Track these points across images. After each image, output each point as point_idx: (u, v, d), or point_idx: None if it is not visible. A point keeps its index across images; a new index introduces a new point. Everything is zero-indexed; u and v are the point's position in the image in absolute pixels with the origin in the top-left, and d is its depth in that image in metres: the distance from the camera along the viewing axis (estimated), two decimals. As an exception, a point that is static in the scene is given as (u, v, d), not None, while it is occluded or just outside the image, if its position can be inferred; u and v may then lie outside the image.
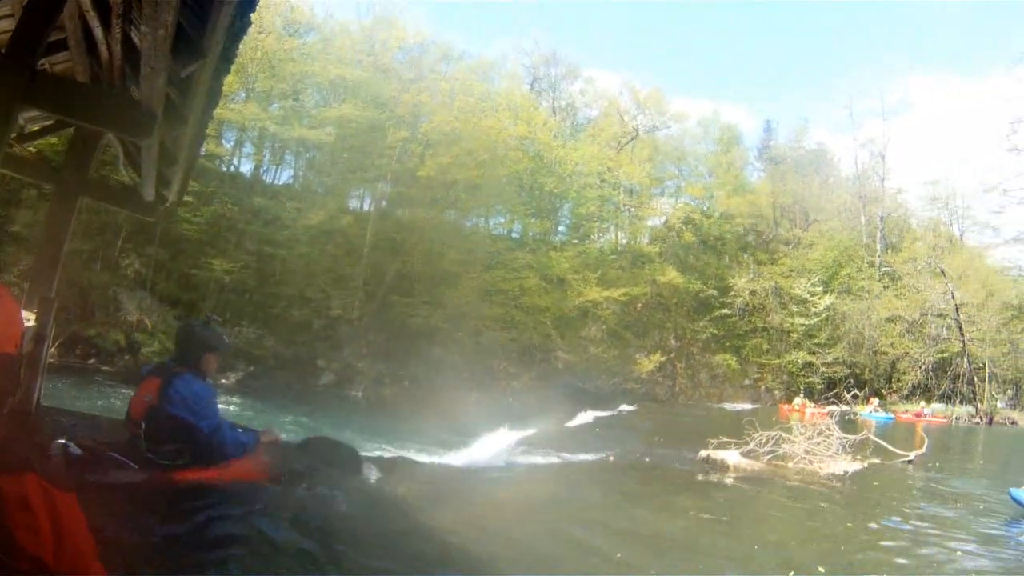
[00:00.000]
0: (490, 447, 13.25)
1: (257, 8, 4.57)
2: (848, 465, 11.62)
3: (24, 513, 1.50)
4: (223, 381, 25.78)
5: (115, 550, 3.63)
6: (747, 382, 38.84)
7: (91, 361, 24.11)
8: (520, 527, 6.05)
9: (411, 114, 32.55)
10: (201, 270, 27.63)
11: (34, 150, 10.58)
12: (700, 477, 10.47)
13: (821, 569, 5.62)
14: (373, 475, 6.67)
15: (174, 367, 5.02)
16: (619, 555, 5.63)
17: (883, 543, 7.04)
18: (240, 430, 5.30)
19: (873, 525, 7.85)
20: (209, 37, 4.32)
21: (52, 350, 20.20)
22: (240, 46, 5.19)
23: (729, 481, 10.24)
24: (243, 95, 32.21)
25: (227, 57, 5.07)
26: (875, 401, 34.19)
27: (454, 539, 5.13)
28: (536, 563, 5.06)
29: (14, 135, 8.05)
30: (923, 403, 34.89)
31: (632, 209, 39.66)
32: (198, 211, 27.99)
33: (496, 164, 32.34)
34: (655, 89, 42.20)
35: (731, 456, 11.50)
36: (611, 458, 11.89)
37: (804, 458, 11.70)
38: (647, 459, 12.03)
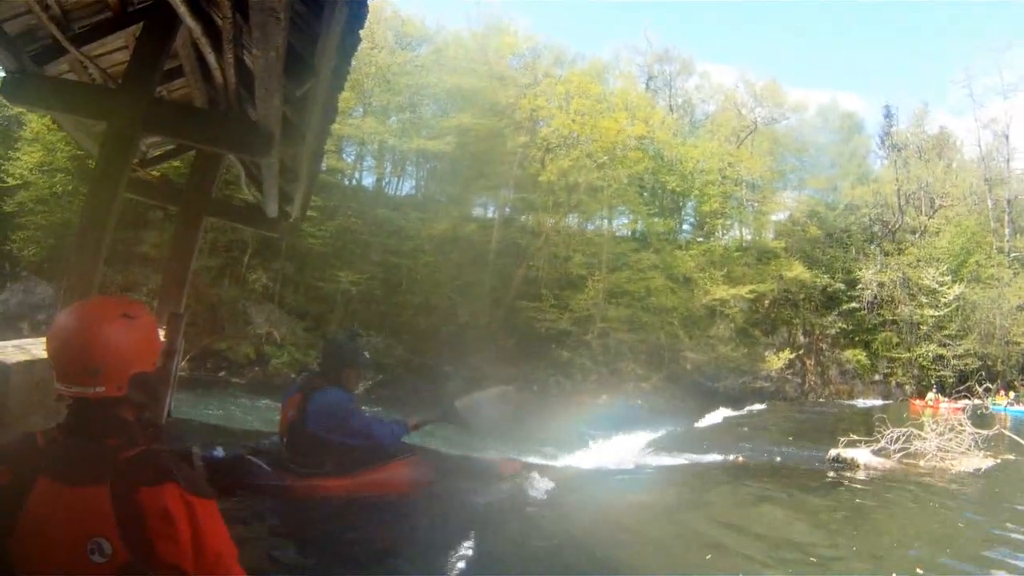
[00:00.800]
0: (619, 450, 13.01)
1: (367, 24, 4.64)
2: (981, 462, 10.83)
3: (164, 523, 1.58)
4: (352, 390, 26.13)
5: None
6: (877, 377, 37.47)
7: (221, 373, 24.95)
8: (653, 530, 5.80)
9: (529, 119, 32.64)
10: (328, 282, 28.16)
11: (158, 173, 10.80)
12: (830, 476, 9.89)
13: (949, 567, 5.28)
14: (507, 483, 6.49)
15: (316, 381, 5.31)
16: (750, 554, 5.38)
17: (1009, 545, 6.49)
18: (390, 422, 5.46)
19: (1005, 525, 7.20)
20: (320, 56, 4.40)
21: (183, 364, 20.84)
22: (352, 62, 5.23)
23: (859, 480, 9.63)
24: (360, 110, 32.85)
25: (339, 74, 5.17)
26: (1010, 395, 32.38)
27: (596, 546, 5.10)
28: (673, 566, 4.90)
29: (137, 160, 8.22)
30: None
31: (755, 204, 38.74)
32: (323, 225, 28.47)
33: (616, 165, 32.06)
34: (771, 80, 41.15)
35: (861, 455, 10.91)
36: (740, 459, 11.51)
37: (936, 455, 11.03)
38: (777, 459, 11.61)
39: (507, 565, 4.44)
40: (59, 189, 24.38)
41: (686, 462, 10.81)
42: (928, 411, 22.50)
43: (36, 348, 3.74)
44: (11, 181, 24.40)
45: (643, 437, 14.56)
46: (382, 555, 4.53)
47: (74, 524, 1.60)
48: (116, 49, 6.43)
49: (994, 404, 29.36)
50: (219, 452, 5.53)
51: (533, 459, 11.95)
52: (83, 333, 1.77)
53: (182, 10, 4.36)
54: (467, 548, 4.52)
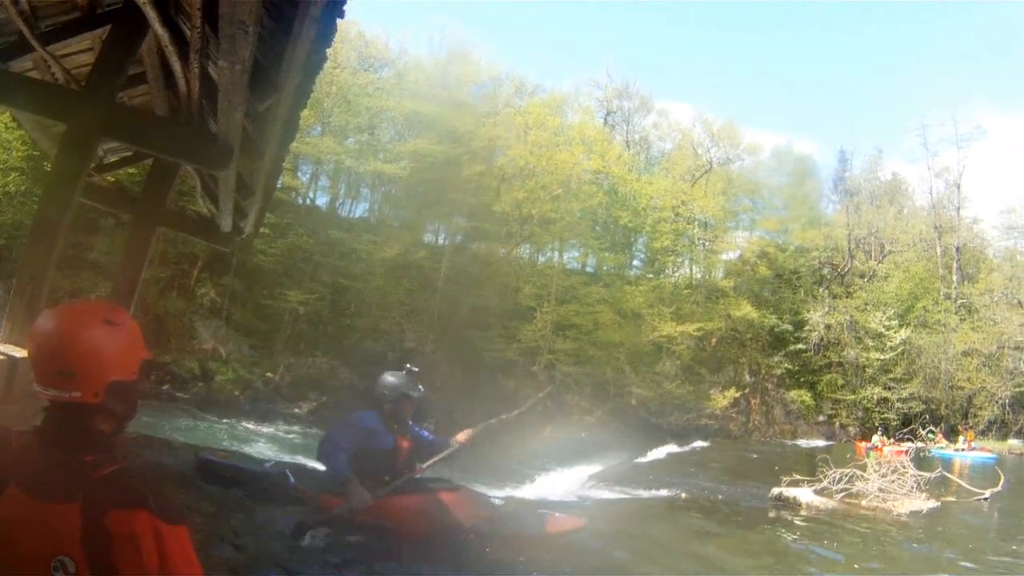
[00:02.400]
0: (562, 482, 13.18)
1: (332, 44, 4.59)
2: (923, 504, 11.30)
3: (131, 548, 1.54)
4: (295, 410, 25.97)
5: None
6: (821, 418, 37.93)
7: (165, 387, 24.29)
8: (588, 562, 5.93)
9: (486, 148, 32.75)
10: (276, 300, 27.90)
11: (113, 179, 10.75)
12: (772, 515, 10.33)
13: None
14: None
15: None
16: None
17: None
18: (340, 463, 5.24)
19: (942, 564, 7.75)
20: (285, 72, 4.36)
21: None
22: (316, 81, 5.28)
23: (801, 519, 10.08)
24: (319, 129, 32.73)
25: (303, 91, 5.20)
26: (960, 439, 32.85)
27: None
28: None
29: (94, 165, 8.17)
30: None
31: (707, 243, 39.13)
32: (274, 243, 28.30)
33: (570, 198, 32.33)
34: (728, 121, 41.79)
35: (804, 494, 11.30)
36: (683, 495, 11.71)
37: (878, 496, 11.44)
38: (719, 496, 11.88)
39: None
40: (12, 188, 23.79)
41: (628, 496, 10.98)
42: (873, 453, 22.76)
43: None
44: None
45: (586, 470, 14.75)
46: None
47: (41, 540, 1.57)
48: (82, 51, 6.51)
49: (938, 448, 29.84)
50: (269, 464, 6.52)
51: (473, 486, 11.98)
52: (62, 336, 1.74)
53: (152, 16, 4.46)
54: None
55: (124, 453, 1.81)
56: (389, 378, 5.64)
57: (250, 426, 21.07)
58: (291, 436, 20.86)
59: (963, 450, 28.93)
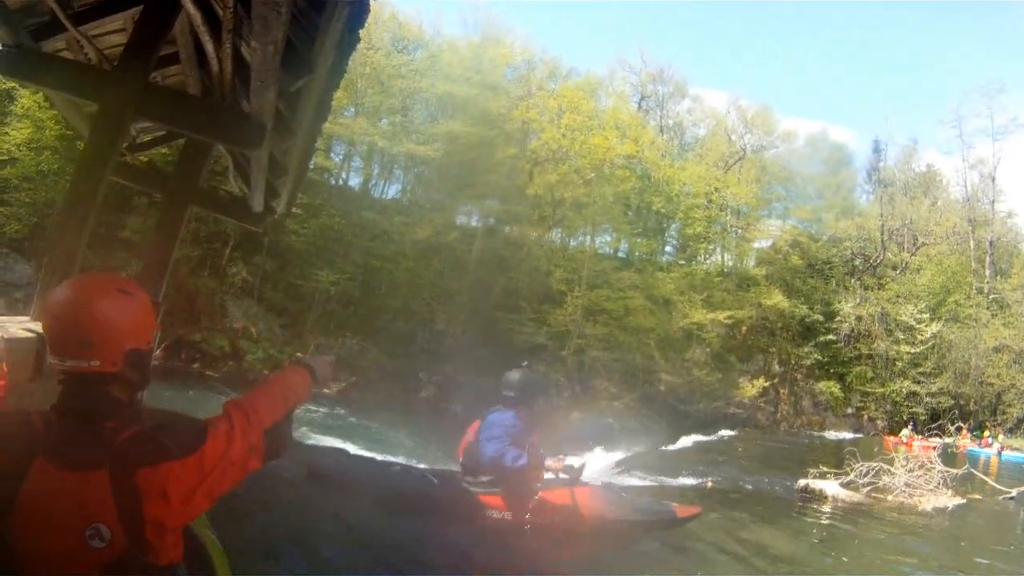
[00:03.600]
0: (588, 467, 13.11)
1: (366, 25, 4.60)
2: (949, 500, 11.23)
3: (164, 504, 1.62)
4: (324, 390, 26.05)
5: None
6: (850, 411, 37.66)
7: (195, 365, 24.52)
8: (608, 547, 6.01)
9: (520, 131, 32.63)
10: (307, 281, 27.91)
11: (145, 159, 10.76)
12: (798, 506, 10.29)
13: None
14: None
15: (497, 407, 5.87)
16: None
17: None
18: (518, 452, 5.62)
19: (970, 562, 7.77)
20: (318, 52, 4.44)
21: (158, 352, 20.74)
22: (349, 62, 5.30)
23: (826, 512, 9.99)
24: (352, 110, 32.65)
25: (336, 72, 5.24)
26: (986, 435, 32.49)
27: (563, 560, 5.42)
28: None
29: (126, 144, 8.34)
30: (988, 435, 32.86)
31: (739, 231, 38.87)
32: (306, 223, 28.37)
33: (603, 183, 32.14)
34: (763, 107, 41.51)
35: (830, 487, 11.21)
36: (709, 483, 11.63)
37: (904, 491, 11.36)
38: (747, 486, 11.79)
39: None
40: (46, 168, 23.94)
41: (655, 484, 10.87)
42: (903, 448, 22.55)
43: (12, 325, 3.75)
44: None
45: (614, 456, 14.67)
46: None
47: (73, 509, 1.61)
48: (114, 31, 6.56)
49: (975, 446, 29.51)
50: (397, 467, 6.44)
51: None
52: (78, 306, 1.77)
53: None
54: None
55: (147, 418, 1.85)
56: (522, 376, 6.00)
57: None
58: (321, 415, 20.98)
59: (1000, 449, 28.54)
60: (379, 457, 11.12)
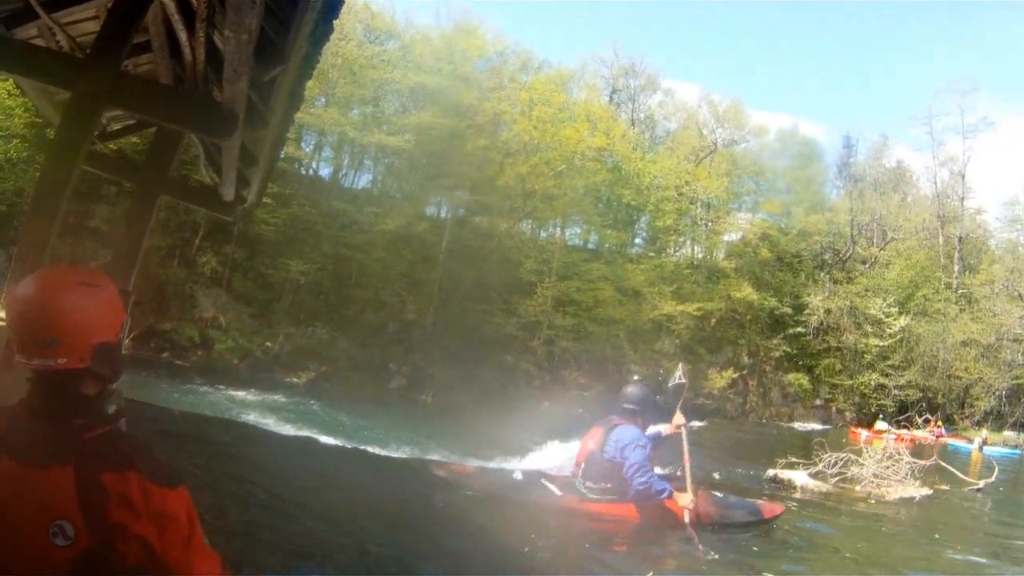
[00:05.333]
0: (557, 456, 13.20)
1: (339, 15, 4.62)
2: (916, 491, 11.29)
3: (126, 508, 1.58)
4: (294, 380, 26.02)
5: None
6: (818, 402, 38.07)
7: (165, 355, 24.53)
8: (572, 535, 6.17)
9: (491, 123, 32.68)
10: (277, 270, 27.95)
11: (116, 148, 10.71)
12: (767, 495, 10.07)
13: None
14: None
15: (615, 420, 6.36)
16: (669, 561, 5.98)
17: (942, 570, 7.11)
18: (660, 479, 6.20)
19: (937, 550, 7.94)
20: (292, 42, 4.39)
21: (127, 342, 20.56)
22: (322, 53, 5.26)
23: (794, 500, 10.01)
24: (323, 100, 32.56)
25: (309, 63, 5.18)
26: (936, 427, 32.80)
27: (515, 547, 5.43)
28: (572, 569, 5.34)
29: (97, 133, 8.12)
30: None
31: (709, 223, 39.00)
32: (276, 212, 28.20)
33: (574, 175, 32.27)
34: (734, 102, 41.71)
35: (799, 476, 11.25)
36: (679, 472, 11.75)
37: (872, 481, 11.46)
38: (715, 475, 11.84)
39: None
40: (14, 155, 23.67)
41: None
42: (878, 442, 22.61)
43: None
44: None
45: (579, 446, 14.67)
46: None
47: (36, 506, 1.57)
48: (87, 18, 6.41)
49: (956, 440, 29.77)
50: (518, 475, 6.76)
51: (473, 462, 12.21)
52: (41, 302, 1.72)
53: None
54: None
55: (118, 416, 1.81)
56: (641, 390, 6.65)
57: (248, 395, 20.87)
58: (290, 405, 20.88)
59: (983, 444, 28.64)
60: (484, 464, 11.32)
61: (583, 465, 6.35)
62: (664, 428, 6.76)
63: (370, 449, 11.00)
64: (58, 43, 6.41)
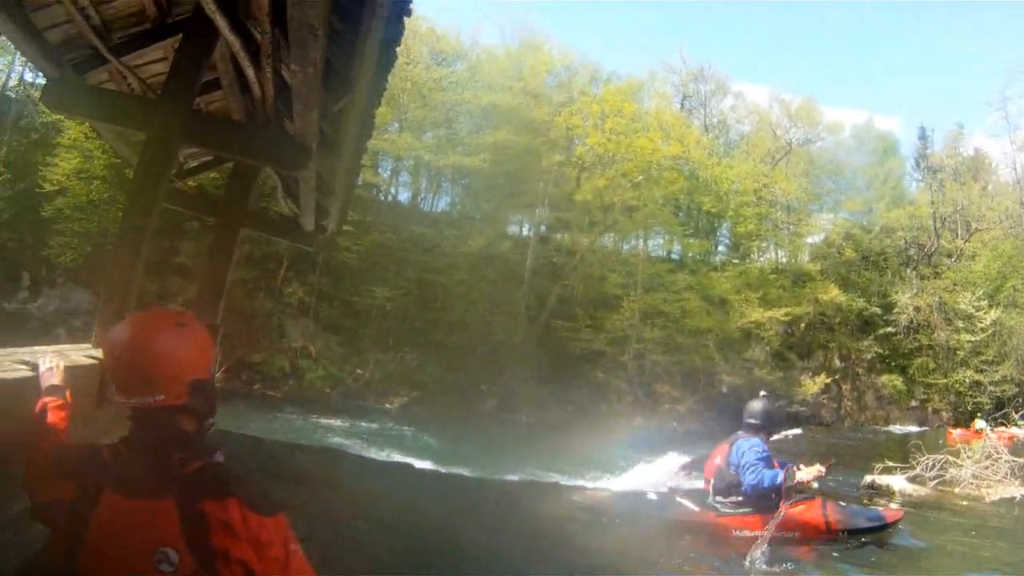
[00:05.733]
0: (652, 472, 13.13)
1: (404, 40, 4.57)
2: (1017, 490, 10.86)
3: (228, 534, 1.63)
4: (386, 406, 26.10)
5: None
6: (914, 403, 36.87)
7: (256, 386, 24.88)
8: (675, 551, 6.37)
9: (564, 138, 32.61)
10: (363, 297, 28.12)
11: (195, 184, 10.78)
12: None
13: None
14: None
15: (740, 434, 6.65)
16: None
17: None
18: (771, 470, 6.41)
19: None
20: (357, 72, 4.50)
21: (218, 375, 20.81)
22: (388, 78, 5.27)
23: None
24: (397, 125, 32.94)
25: (376, 90, 5.26)
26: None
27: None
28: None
29: (175, 171, 8.32)
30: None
31: (791, 226, 38.35)
32: (358, 240, 28.49)
33: (652, 185, 31.85)
34: (806, 100, 40.97)
35: (896, 481, 11.12)
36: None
37: (972, 483, 11.21)
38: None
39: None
40: (96, 197, 24.39)
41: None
42: (975, 441, 21.73)
43: (74, 353, 3.77)
44: (48, 187, 24.38)
45: (677, 460, 14.51)
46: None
47: (141, 535, 1.64)
48: (155, 60, 6.66)
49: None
50: (652, 496, 7.21)
51: (571, 481, 12.08)
52: (137, 345, 1.82)
53: (221, 24, 4.52)
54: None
55: (214, 449, 1.90)
56: (764, 405, 6.86)
57: (341, 423, 21.22)
58: (384, 431, 21.12)
59: None
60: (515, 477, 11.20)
61: (713, 480, 6.73)
62: (807, 473, 6.68)
63: (478, 474, 11.06)
64: (129, 86, 6.76)
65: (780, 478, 6.27)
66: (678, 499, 6.84)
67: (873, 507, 8.05)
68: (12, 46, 7.95)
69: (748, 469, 6.28)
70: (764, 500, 6.32)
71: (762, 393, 7.10)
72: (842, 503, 7.58)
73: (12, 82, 29.41)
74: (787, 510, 6.33)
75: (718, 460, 6.68)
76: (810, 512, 6.59)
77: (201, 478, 1.72)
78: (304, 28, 3.40)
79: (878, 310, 37.31)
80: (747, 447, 6.40)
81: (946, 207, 42.73)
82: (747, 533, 6.24)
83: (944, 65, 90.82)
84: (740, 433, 6.68)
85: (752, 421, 6.69)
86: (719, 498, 6.58)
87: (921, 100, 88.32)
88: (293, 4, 3.24)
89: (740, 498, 6.45)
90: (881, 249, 40.14)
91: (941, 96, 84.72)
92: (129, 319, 1.93)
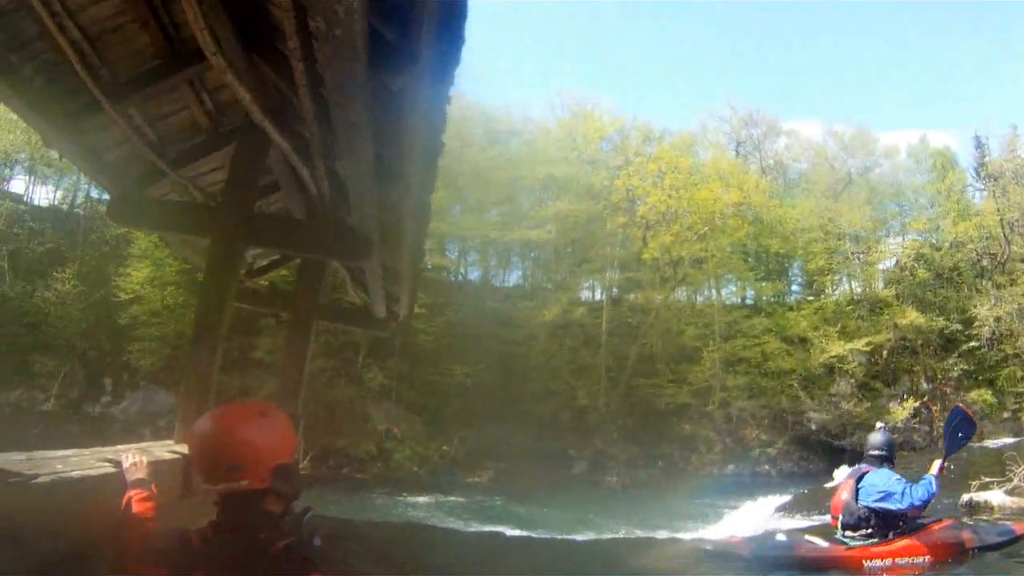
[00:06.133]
0: (748, 518, 13.26)
1: (455, 123, 4.84)
2: None
3: None
4: (475, 479, 26.47)
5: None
6: (1006, 415, 35.92)
7: (344, 471, 25.36)
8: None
9: (625, 199, 33.14)
10: (442, 376, 28.72)
11: (266, 282, 11.30)
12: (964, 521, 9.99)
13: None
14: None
15: (864, 468, 6.70)
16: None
17: None
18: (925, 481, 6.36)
19: None
20: (407, 162, 4.49)
21: (304, 463, 21.07)
22: (441, 163, 5.29)
23: (1018, 521, 9.64)
24: (458, 207, 33.75)
25: (428, 178, 5.25)
26: None
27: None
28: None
29: (244, 271, 8.68)
30: None
31: (861, 255, 37.96)
32: (432, 321, 29.17)
33: (717, 234, 32.15)
34: (859, 129, 40.92)
35: (995, 496, 10.97)
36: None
37: None
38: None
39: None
40: (170, 302, 25.64)
41: (815, 522, 10.87)
42: None
43: (157, 449, 4.01)
44: (123, 296, 25.77)
45: (773, 502, 14.65)
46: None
47: None
48: (213, 169, 6.98)
49: None
50: (781, 536, 7.18)
51: (660, 535, 12.34)
52: (221, 433, 1.98)
53: (270, 129, 4.74)
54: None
55: (313, 533, 2.05)
56: (884, 436, 6.96)
57: (431, 499, 21.52)
58: (473, 504, 21.35)
59: None
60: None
61: (840, 516, 6.68)
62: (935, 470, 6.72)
63: (573, 536, 11.25)
64: (191, 195, 7.08)
65: (935, 485, 6.29)
66: (807, 538, 6.94)
67: (1003, 523, 7.97)
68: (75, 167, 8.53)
69: (902, 494, 6.27)
70: (891, 528, 6.43)
71: (879, 425, 7.33)
72: (969, 521, 7.86)
73: (79, 199, 31.23)
74: (916, 535, 6.46)
75: (844, 495, 6.70)
76: (942, 533, 6.59)
77: (286, 556, 1.81)
78: (349, 127, 3.55)
79: (959, 326, 36.61)
80: (883, 478, 6.45)
81: (1012, 212, 41.85)
82: (879, 564, 6.33)
83: (990, 68, 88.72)
84: (863, 467, 6.77)
85: (875, 453, 6.79)
86: (848, 533, 6.63)
87: (972, 109, 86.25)
88: (335, 106, 3.40)
89: (870, 530, 6.49)
90: (953, 264, 39.43)
91: (992, 101, 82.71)
92: (213, 412, 2.09)
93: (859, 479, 6.62)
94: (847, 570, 6.38)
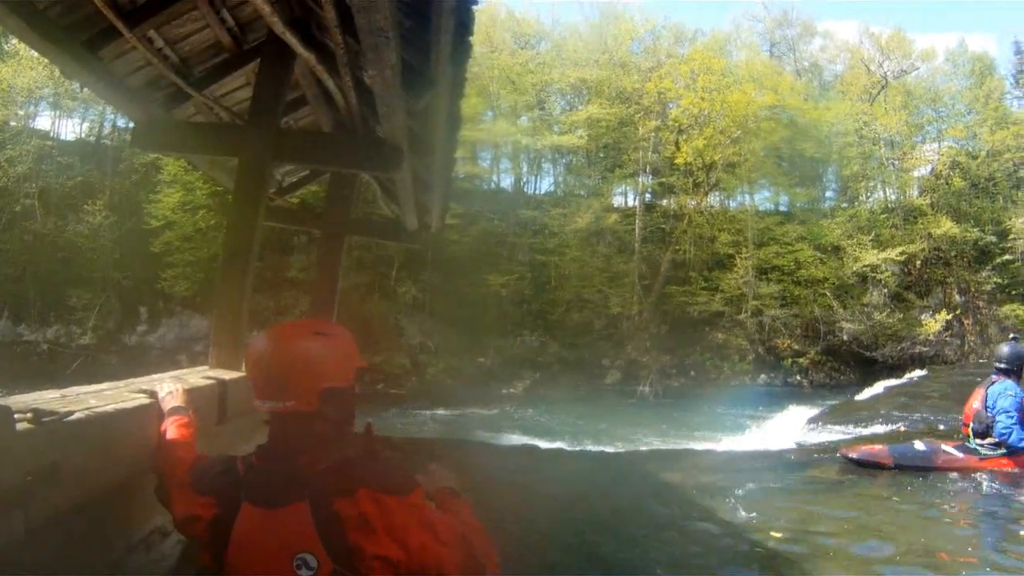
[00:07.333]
0: (779, 429, 13.00)
1: (485, 29, 4.80)
2: None
3: (363, 529, 1.67)
4: (511, 391, 26.57)
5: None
6: (1040, 332, 35.68)
7: (379, 386, 25.21)
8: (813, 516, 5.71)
9: (657, 103, 32.51)
10: (477, 287, 28.53)
11: (296, 200, 11.10)
12: None
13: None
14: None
15: (994, 378, 6.82)
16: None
17: None
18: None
19: None
20: (435, 68, 4.41)
21: None
22: (471, 68, 5.22)
23: None
24: (490, 114, 33.22)
25: (457, 83, 5.14)
26: None
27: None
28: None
29: (274, 189, 8.66)
30: None
31: (896, 162, 37.05)
32: (465, 232, 28.98)
33: (751, 138, 31.47)
34: (896, 31, 39.39)
35: None
36: (902, 428, 11.32)
37: None
38: (940, 427, 11.31)
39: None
40: (202, 225, 25.75)
41: (846, 436, 10.71)
42: None
43: (192, 377, 3.95)
44: (155, 223, 25.95)
45: (803, 414, 14.55)
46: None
47: (279, 544, 1.71)
48: (238, 87, 6.89)
49: None
50: (920, 444, 7.14)
51: (692, 445, 12.19)
52: (273, 351, 1.92)
53: (294, 41, 4.67)
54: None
55: (371, 446, 2.01)
56: (1012, 348, 6.95)
57: (466, 412, 21.63)
58: (511, 415, 21.51)
59: None
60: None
61: (972, 424, 6.84)
62: None
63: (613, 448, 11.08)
64: (217, 115, 6.98)
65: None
66: (943, 447, 6.98)
67: None
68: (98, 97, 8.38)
69: (1000, 416, 6.50)
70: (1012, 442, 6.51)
71: (1012, 336, 7.34)
72: None
73: (107, 129, 31.05)
74: None
75: (975, 404, 6.84)
76: None
77: (331, 476, 1.76)
78: (374, 33, 3.46)
79: (993, 238, 36.01)
80: (1001, 390, 6.59)
81: (1051, 120, 40.89)
82: (997, 472, 6.49)
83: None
84: (994, 376, 6.84)
85: (1002, 365, 6.85)
86: (978, 441, 6.74)
87: (1012, 13, 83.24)
88: (359, 11, 3.29)
89: (995, 441, 6.62)
90: (990, 174, 38.53)
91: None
92: (272, 328, 2.03)
93: (988, 387, 6.79)
94: (978, 480, 6.49)
